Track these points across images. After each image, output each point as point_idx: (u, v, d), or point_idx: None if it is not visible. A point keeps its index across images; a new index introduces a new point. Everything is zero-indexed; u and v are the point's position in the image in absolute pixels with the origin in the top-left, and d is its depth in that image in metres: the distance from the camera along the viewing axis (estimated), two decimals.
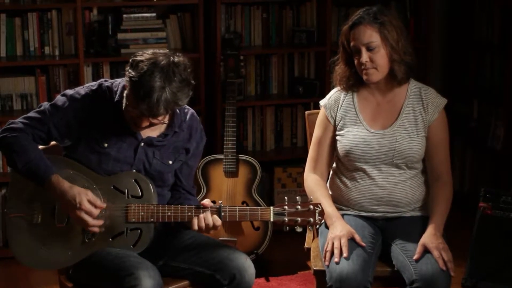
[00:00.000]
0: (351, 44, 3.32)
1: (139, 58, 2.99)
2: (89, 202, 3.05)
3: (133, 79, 2.96)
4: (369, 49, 3.29)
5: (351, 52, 3.35)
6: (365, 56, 3.28)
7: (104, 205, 3.09)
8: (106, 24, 4.88)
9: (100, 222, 3.08)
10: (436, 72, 5.52)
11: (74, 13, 4.78)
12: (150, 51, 3.04)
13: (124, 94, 3.05)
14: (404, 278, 3.20)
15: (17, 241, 3.15)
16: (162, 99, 2.94)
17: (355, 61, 3.34)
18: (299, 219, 3.08)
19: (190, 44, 5.03)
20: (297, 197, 3.13)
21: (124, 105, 3.06)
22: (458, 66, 5.53)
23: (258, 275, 3.36)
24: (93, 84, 3.19)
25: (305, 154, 3.63)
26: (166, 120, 3.09)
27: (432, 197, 3.39)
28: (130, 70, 2.99)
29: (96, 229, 3.09)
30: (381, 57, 3.30)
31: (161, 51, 3.05)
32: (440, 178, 3.40)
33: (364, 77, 3.34)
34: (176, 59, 3.01)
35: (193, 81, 3.05)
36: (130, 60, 3.02)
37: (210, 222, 3.08)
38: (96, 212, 3.06)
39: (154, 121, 3.04)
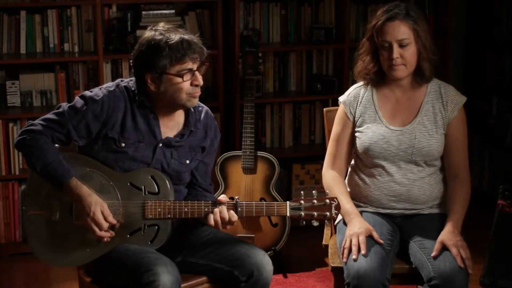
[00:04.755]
0: (381, 38, 3.30)
1: (143, 47, 3.10)
2: (102, 214, 3.07)
3: (164, 53, 3.05)
4: (401, 45, 3.27)
5: (377, 47, 3.35)
6: (396, 52, 3.27)
7: (115, 222, 3.10)
8: (125, 21, 4.90)
9: (108, 234, 3.10)
10: (455, 70, 5.50)
11: (93, 10, 4.80)
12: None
13: (165, 85, 3.09)
14: (422, 275, 3.20)
15: (36, 238, 3.17)
16: (186, 37, 3.07)
17: (381, 56, 3.33)
18: (315, 213, 3.09)
19: (209, 41, 5.03)
20: (313, 191, 3.13)
21: (173, 90, 3.10)
22: (477, 64, 5.51)
23: (276, 272, 3.37)
24: (110, 85, 3.20)
25: (323, 151, 3.62)
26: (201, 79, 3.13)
27: (450, 195, 3.38)
28: (162, 54, 3.05)
29: (104, 240, 3.11)
30: (412, 54, 3.29)
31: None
32: (458, 176, 3.39)
33: (391, 73, 3.32)
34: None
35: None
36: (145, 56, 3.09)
37: (226, 216, 3.09)
38: (105, 225, 3.08)
39: (199, 71, 3.11)
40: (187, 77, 3.09)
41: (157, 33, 3.10)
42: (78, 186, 3.08)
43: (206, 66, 3.17)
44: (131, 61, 3.18)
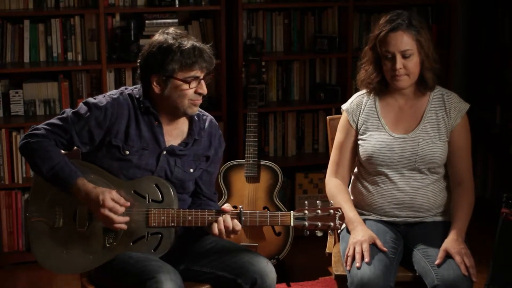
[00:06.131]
0: (384, 49, 3.29)
1: (153, 49, 3.12)
2: (113, 200, 3.05)
3: (175, 57, 3.07)
4: (404, 56, 3.27)
5: (379, 56, 3.35)
6: (399, 62, 3.27)
7: (128, 204, 3.08)
8: (129, 30, 4.90)
9: (126, 219, 3.07)
10: (458, 78, 5.50)
11: (97, 19, 4.81)
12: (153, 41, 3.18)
13: (170, 89, 3.10)
14: (426, 283, 3.19)
15: (39, 245, 3.17)
16: (198, 45, 3.10)
17: (384, 66, 3.33)
18: (319, 223, 3.08)
19: (212, 50, 5.03)
20: (317, 201, 3.12)
21: (177, 95, 3.11)
22: (480, 72, 5.51)
23: (279, 281, 3.36)
24: (114, 93, 3.21)
25: (326, 160, 3.62)
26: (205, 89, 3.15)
27: (454, 203, 3.37)
28: (173, 58, 3.07)
29: (123, 226, 3.07)
30: (415, 65, 3.29)
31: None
32: (462, 184, 3.38)
33: (395, 83, 3.32)
34: None
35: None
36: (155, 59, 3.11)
37: (230, 225, 3.08)
38: (120, 209, 3.06)
39: (204, 80, 3.12)
40: (193, 84, 3.10)
41: (169, 36, 3.11)
42: (85, 183, 3.06)
43: (211, 76, 3.18)
44: (138, 61, 3.18)
